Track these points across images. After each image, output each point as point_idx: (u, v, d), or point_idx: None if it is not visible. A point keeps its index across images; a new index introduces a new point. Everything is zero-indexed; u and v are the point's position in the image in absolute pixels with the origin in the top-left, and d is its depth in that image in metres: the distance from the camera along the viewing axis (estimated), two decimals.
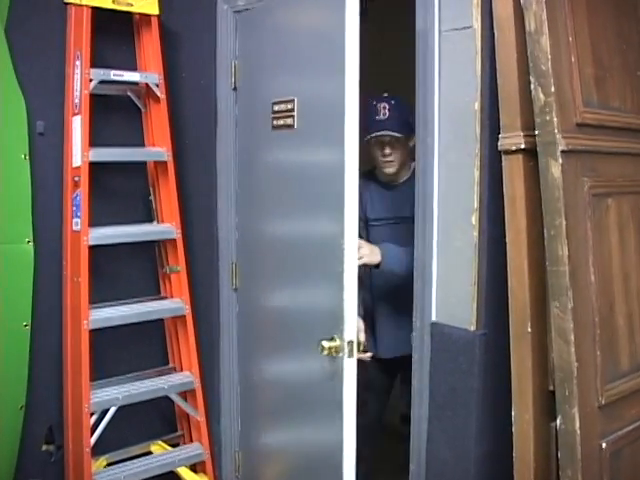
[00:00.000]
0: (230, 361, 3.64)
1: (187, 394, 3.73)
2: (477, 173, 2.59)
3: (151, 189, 3.69)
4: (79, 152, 3.28)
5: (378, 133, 3.30)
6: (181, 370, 3.75)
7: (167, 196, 3.63)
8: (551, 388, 2.46)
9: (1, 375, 3.22)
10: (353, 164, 2.74)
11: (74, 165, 3.32)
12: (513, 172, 2.46)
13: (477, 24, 2.54)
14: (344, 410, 2.78)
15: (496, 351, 2.59)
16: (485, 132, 2.57)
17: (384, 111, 3.29)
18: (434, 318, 2.79)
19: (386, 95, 3.36)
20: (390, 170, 3.40)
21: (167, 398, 3.67)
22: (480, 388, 2.61)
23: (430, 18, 2.69)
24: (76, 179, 3.29)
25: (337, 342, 2.76)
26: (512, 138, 2.44)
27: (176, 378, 3.69)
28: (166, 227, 3.63)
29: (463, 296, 2.66)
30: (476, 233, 2.60)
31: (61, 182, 3.38)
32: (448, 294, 2.75)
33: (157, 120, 3.60)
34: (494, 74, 2.49)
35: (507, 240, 2.48)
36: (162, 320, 3.80)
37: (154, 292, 3.77)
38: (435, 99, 2.72)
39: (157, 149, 3.60)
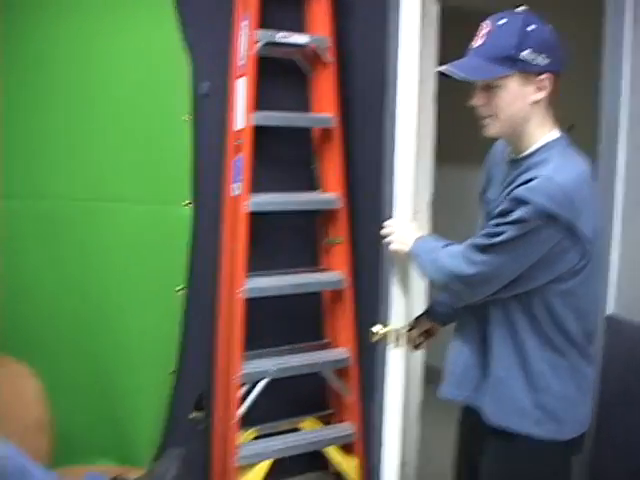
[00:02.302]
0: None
1: (340, 371, 3.59)
2: None
3: (315, 156, 3.56)
4: (242, 115, 3.20)
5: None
6: (336, 346, 3.62)
7: (332, 164, 3.48)
8: None
9: (153, 339, 3.21)
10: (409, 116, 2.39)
11: (236, 128, 3.24)
12: None
13: None
14: (385, 406, 2.50)
15: None
16: None
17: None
18: (611, 311, 2.53)
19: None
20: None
21: (319, 374, 3.56)
22: None
23: None
24: (238, 143, 3.22)
25: (384, 329, 2.43)
26: None
27: (331, 354, 3.57)
28: (329, 196, 3.49)
29: None
30: None
31: (222, 145, 3.30)
32: (631, 285, 2.49)
33: (324, 85, 3.45)
34: None
35: None
36: (319, 293, 3.68)
37: (312, 263, 3.64)
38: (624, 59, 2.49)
39: (323, 115, 3.45)
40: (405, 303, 2.45)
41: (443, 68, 2.04)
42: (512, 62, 1.96)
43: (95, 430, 3.12)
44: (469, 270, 2.02)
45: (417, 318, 2.53)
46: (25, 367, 2.73)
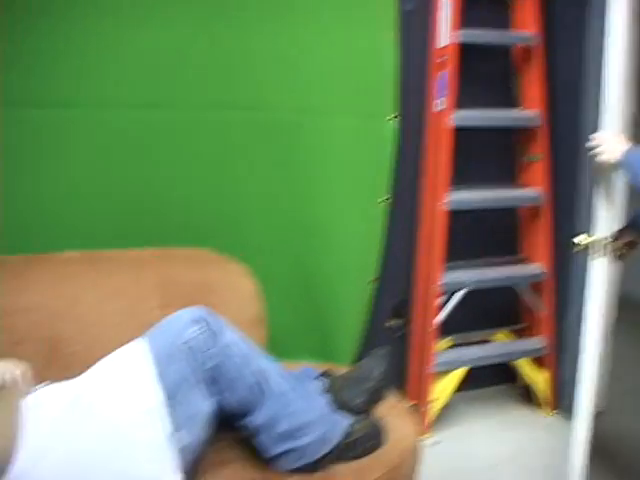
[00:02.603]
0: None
1: (535, 286, 3.66)
2: None
3: (515, 74, 3.57)
4: (446, 32, 3.25)
5: None
6: (532, 261, 3.67)
7: (532, 81, 3.50)
8: None
9: (356, 247, 3.33)
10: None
11: (440, 45, 3.29)
12: None
13: None
14: (584, 316, 2.60)
15: None
16: None
17: None
18: None
19: None
20: None
21: (512, 288, 3.63)
22: None
23: None
24: (442, 59, 3.28)
25: (587, 239, 2.51)
26: None
27: (526, 269, 3.64)
28: (530, 114, 3.51)
29: None
30: None
31: (425, 62, 3.37)
32: None
33: (525, 3, 3.44)
34: None
35: None
36: (515, 209, 3.73)
37: (510, 180, 3.69)
38: None
39: (524, 32, 3.45)
40: (609, 214, 2.50)
41: None
42: None
43: (301, 329, 3.31)
44: None
45: (620, 230, 2.56)
46: (242, 266, 2.94)
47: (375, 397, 2.55)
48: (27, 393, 2.25)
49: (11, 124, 2.71)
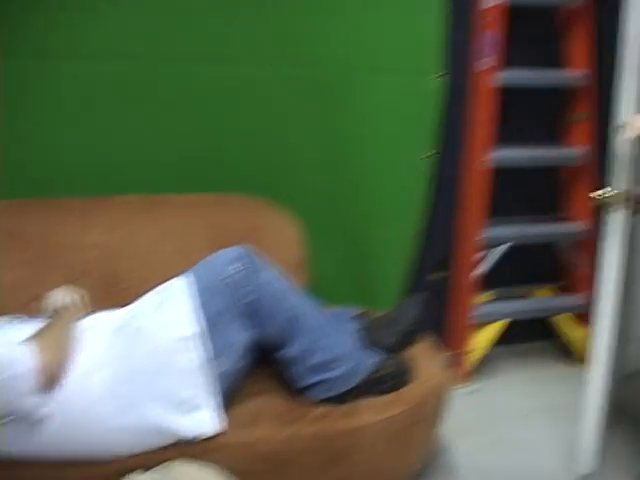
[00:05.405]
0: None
1: (575, 244, 3.75)
2: None
3: (562, 34, 3.61)
4: None
5: None
6: (573, 220, 3.75)
7: (580, 42, 3.55)
8: None
9: (399, 202, 3.42)
10: None
11: (487, 5, 3.32)
12: None
13: None
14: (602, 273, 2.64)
15: None
16: None
17: None
18: None
19: None
20: None
21: (553, 247, 3.75)
22: None
23: None
24: (489, 19, 3.33)
25: (606, 194, 2.53)
26: None
27: (568, 227, 3.73)
28: (576, 74, 3.56)
29: None
30: None
31: (473, 21, 3.39)
32: None
33: None
34: None
35: None
36: (556, 169, 3.79)
37: (554, 139, 3.74)
38: None
39: None
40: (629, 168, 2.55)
41: None
42: None
43: (345, 277, 3.44)
44: None
45: None
46: (287, 214, 3.12)
47: (407, 339, 2.70)
48: (83, 316, 2.48)
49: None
